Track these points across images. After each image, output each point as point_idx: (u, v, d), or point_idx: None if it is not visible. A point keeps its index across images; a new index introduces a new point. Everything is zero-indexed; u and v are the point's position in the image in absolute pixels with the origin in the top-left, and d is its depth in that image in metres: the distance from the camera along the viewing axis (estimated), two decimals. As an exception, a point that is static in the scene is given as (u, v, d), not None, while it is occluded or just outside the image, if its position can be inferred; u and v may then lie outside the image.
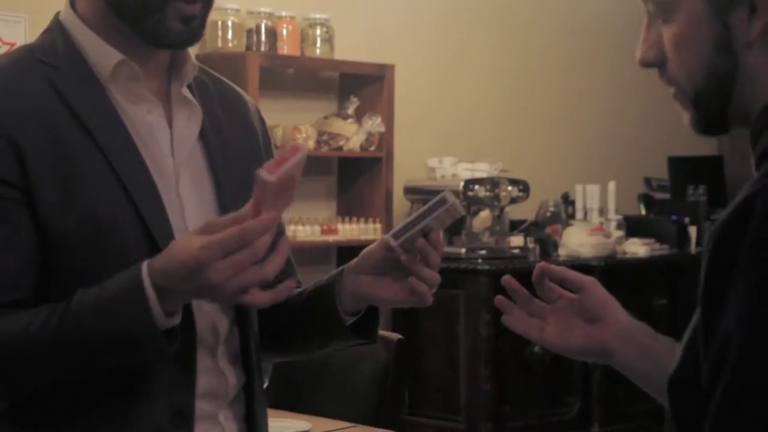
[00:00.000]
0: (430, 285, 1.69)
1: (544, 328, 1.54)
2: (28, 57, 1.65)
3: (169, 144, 1.68)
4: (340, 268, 1.78)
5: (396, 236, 1.67)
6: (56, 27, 1.68)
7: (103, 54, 1.65)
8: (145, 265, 1.51)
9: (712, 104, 1.21)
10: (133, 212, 1.60)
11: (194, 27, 1.64)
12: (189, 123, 1.70)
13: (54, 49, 1.66)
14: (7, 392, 1.61)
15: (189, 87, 1.72)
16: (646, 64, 1.25)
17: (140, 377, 1.60)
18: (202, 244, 1.45)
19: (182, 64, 1.69)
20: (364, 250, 1.74)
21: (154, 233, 1.60)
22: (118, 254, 1.58)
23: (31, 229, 1.57)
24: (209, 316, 1.67)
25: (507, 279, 1.57)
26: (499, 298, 1.57)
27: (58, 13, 1.70)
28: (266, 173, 1.46)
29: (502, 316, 1.57)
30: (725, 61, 1.18)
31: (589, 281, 1.53)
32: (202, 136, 1.71)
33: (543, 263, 1.57)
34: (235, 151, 1.75)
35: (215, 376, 1.68)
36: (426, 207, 1.66)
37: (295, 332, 1.84)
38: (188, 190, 1.68)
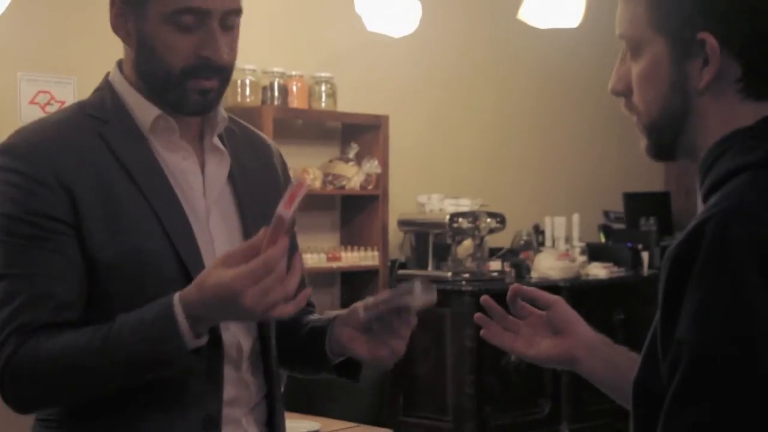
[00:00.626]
0: (395, 353, 1.68)
1: (517, 341, 1.53)
2: (80, 112, 1.66)
3: (201, 186, 1.67)
4: (334, 315, 1.76)
5: (366, 309, 1.66)
6: (106, 86, 1.69)
7: (144, 109, 1.65)
8: (176, 297, 1.51)
9: (664, 136, 1.20)
10: (169, 246, 1.60)
11: (211, 98, 1.63)
12: (219, 167, 1.70)
13: (103, 105, 1.66)
14: (57, 399, 1.60)
15: (219, 136, 1.73)
16: (615, 93, 1.25)
17: (174, 389, 1.60)
18: (234, 275, 1.46)
19: (213, 118, 1.69)
20: (351, 307, 1.72)
21: (187, 264, 1.60)
22: (156, 282, 1.58)
23: (80, 260, 1.57)
24: (234, 334, 1.66)
25: (485, 299, 1.56)
26: (479, 315, 1.57)
27: (107, 74, 1.71)
28: (283, 209, 1.47)
29: (481, 331, 1.56)
30: (679, 100, 1.17)
31: (556, 299, 1.53)
32: (231, 178, 1.71)
33: (516, 285, 1.56)
34: (259, 191, 1.74)
35: (240, 386, 1.67)
36: (397, 290, 1.65)
37: (294, 360, 1.82)
38: (218, 226, 1.67)
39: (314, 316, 1.83)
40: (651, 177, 6.45)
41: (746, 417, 1.00)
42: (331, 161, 5.00)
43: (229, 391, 1.65)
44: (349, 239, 5.10)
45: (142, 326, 1.52)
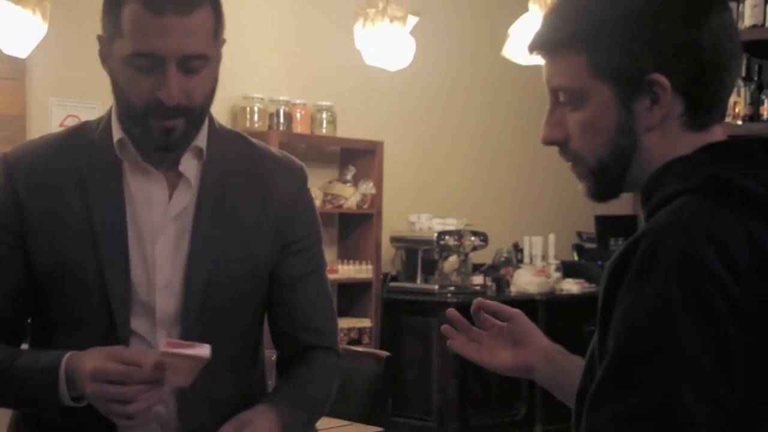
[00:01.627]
0: None
1: (480, 350, 1.49)
2: (74, 133, 1.63)
3: (162, 212, 1.58)
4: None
5: None
6: (109, 109, 1.63)
7: (116, 133, 1.58)
8: (66, 357, 1.48)
9: (612, 175, 1.18)
10: (95, 262, 1.54)
11: (175, 137, 1.53)
12: (182, 195, 1.59)
13: (97, 126, 1.61)
14: None
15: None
16: (549, 142, 1.21)
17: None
18: (95, 366, 1.43)
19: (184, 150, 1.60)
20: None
21: (107, 282, 1.53)
22: (80, 295, 1.54)
23: (20, 271, 1.56)
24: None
25: (451, 312, 1.52)
26: (445, 327, 1.51)
27: None
28: (165, 347, 1.41)
29: (447, 341, 1.50)
30: (627, 140, 1.15)
31: (516, 312, 1.48)
32: (198, 208, 1.59)
33: (479, 299, 1.51)
34: (230, 222, 1.61)
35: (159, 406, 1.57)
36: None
37: None
38: (164, 252, 1.57)
39: (309, 366, 1.70)
40: (620, 201, 6.40)
41: (653, 415, 0.99)
42: (330, 182, 5.02)
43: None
44: (346, 253, 5.11)
45: (33, 367, 1.51)
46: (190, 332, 1.56)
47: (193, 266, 1.57)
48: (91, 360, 1.45)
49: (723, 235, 1.03)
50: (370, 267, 4.99)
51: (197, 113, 1.53)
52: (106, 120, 1.61)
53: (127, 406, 1.42)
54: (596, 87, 1.14)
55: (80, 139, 1.60)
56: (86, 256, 1.53)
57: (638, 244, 1.05)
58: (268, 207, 1.65)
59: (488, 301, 1.51)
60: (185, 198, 1.59)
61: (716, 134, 1.17)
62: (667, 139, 1.15)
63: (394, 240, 5.29)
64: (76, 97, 4.27)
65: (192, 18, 1.47)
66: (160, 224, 1.58)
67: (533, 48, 1.21)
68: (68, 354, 1.48)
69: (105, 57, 1.55)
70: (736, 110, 4.61)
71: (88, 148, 1.59)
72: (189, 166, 1.60)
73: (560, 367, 1.44)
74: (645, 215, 1.16)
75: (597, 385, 1.04)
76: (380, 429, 2.86)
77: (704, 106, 1.14)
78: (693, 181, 1.10)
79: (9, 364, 1.52)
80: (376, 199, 5.01)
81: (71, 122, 4.22)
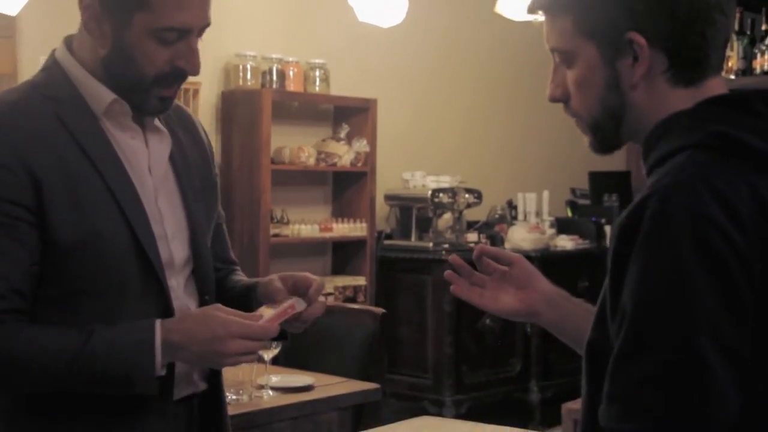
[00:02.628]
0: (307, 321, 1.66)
1: (483, 295, 1.51)
2: (34, 93, 1.55)
3: (147, 164, 1.61)
4: (254, 281, 1.73)
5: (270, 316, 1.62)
6: (53, 65, 1.58)
7: (97, 92, 1.56)
8: (158, 321, 1.50)
9: (607, 131, 1.22)
10: (125, 226, 1.54)
11: (168, 103, 1.59)
12: (161, 146, 1.63)
13: (55, 85, 1.56)
14: (8, 391, 1.55)
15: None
16: (553, 100, 1.26)
17: None
18: (229, 319, 1.49)
19: None
20: (264, 282, 1.69)
21: (142, 242, 1.55)
22: (112, 262, 1.53)
23: (36, 249, 1.50)
24: (183, 302, 1.63)
25: (454, 258, 1.55)
26: (449, 272, 1.54)
27: (53, 52, 1.60)
28: (272, 310, 1.59)
29: (451, 287, 1.53)
30: (615, 97, 1.19)
31: (517, 257, 1.51)
32: (171, 157, 1.65)
33: (481, 245, 1.54)
34: (194, 166, 1.69)
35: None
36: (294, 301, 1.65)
37: None
38: (165, 203, 1.62)
39: (238, 276, 1.80)
40: (614, 157, 6.43)
41: (679, 376, 1.02)
42: (324, 140, 5.00)
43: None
44: (340, 212, 5.11)
45: (118, 346, 1.48)
46: (200, 280, 1.66)
47: (192, 214, 1.64)
48: (206, 311, 1.52)
49: (726, 190, 1.06)
50: (364, 225, 4.99)
51: (185, 79, 1.59)
52: (61, 78, 1.57)
53: (246, 357, 1.54)
54: (583, 47, 1.19)
55: (46, 99, 1.54)
56: (115, 223, 1.53)
57: (647, 203, 1.07)
58: (202, 154, 1.74)
59: (489, 246, 1.54)
60: (164, 148, 1.63)
61: (713, 88, 1.18)
62: (656, 95, 1.17)
63: (389, 198, 5.29)
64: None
65: None
66: (153, 177, 1.61)
67: (531, 9, 1.25)
68: (158, 325, 1.50)
69: (97, 24, 1.53)
70: (729, 64, 4.59)
71: (65, 111, 1.54)
72: (156, 120, 1.64)
73: (564, 310, 1.47)
74: (646, 170, 1.18)
75: (619, 349, 1.06)
76: (376, 385, 2.88)
77: (688, 60, 1.16)
78: (695, 136, 1.12)
79: (82, 348, 1.48)
80: (370, 157, 5.00)
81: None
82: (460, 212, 5.24)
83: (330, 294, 4.83)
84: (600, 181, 6.23)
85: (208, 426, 1.68)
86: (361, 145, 4.96)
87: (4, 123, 1.51)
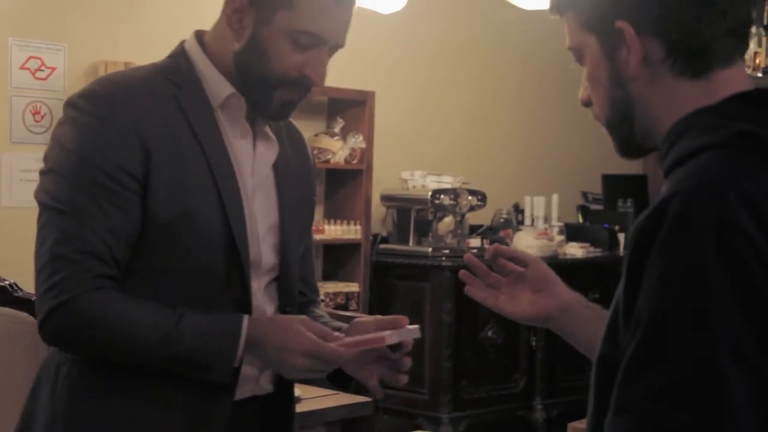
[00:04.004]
0: (387, 382, 1.80)
1: (498, 297, 1.56)
2: (159, 75, 1.70)
3: (251, 166, 1.73)
4: (338, 326, 1.81)
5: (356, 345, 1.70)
6: (181, 54, 1.73)
7: (218, 84, 1.70)
8: (246, 316, 1.64)
9: (621, 130, 1.24)
10: (221, 215, 1.65)
11: (288, 110, 1.73)
12: (268, 152, 1.76)
13: (179, 71, 1.70)
14: (96, 354, 1.66)
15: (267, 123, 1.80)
16: (582, 103, 1.29)
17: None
18: (308, 337, 1.61)
19: None
20: (354, 326, 1.78)
21: (234, 233, 1.66)
22: (202, 247, 1.65)
23: (138, 219, 1.62)
24: (261, 302, 1.75)
25: (469, 257, 1.59)
26: (463, 272, 1.58)
27: (183, 42, 1.75)
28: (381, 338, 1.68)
29: (465, 287, 1.57)
30: (619, 92, 1.21)
31: (534, 259, 1.56)
32: (275, 165, 1.77)
33: (496, 245, 1.60)
34: (296, 181, 1.82)
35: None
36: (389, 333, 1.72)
37: None
38: (260, 205, 1.74)
39: (320, 311, 1.90)
40: (629, 160, 6.46)
41: (695, 389, 1.01)
42: (316, 135, 5.00)
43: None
44: (333, 213, 5.11)
45: (207, 329, 1.62)
46: (285, 287, 1.78)
47: (285, 221, 1.77)
48: (293, 323, 1.64)
49: (755, 195, 1.05)
50: (358, 227, 4.98)
51: (309, 90, 1.73)
52: (186, 65, 1.71)
53: (312, 374, 1.68)
54: (587, 41, 1.23)
55: (170, 84, 1.68)
56: (212, 208, 1.65)
57: (668, 205, 1.06)
58: (305, 172, 1.88)
59: (505, 246, 1.60)
60: (270, 155, 1.76)
61: (730, 81, 1.18)
62: (659, 87, 1.18)
63: (385, 198, 5.28)
64: (39, 37, 4.21)
65: (352, 11, 1.71)
66: (254, 179, 1.73)
67: (550, 11, 1.30)
68: (246, 319, 1.64)
69: (239, 17, 1.67)
70: (757, 61, 4.59)
71: (184, 96, 1.68)
72: (267, 128, 1.77)
73: (579, 317, 1.51)
74: (664, 169, 1.17)
75: (630, 358, 1.05)
76: (368, 399, 2.87)
77: (687, 48, 1.16)
78: (719, 135, 1.11)
79: (173, 327, 1.61)
80: (366, 154, 4.99)
81: (33, 64, 4.18)
82: (463, 215, 5.24)
83: (321, 301, 4.81)
84: (614, 185, 6.23)
85: (272, 429, 1.80)
86: (357, 141, 4.96)
87: (126, 94, 1.65)
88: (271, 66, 1.66)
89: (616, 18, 1.17)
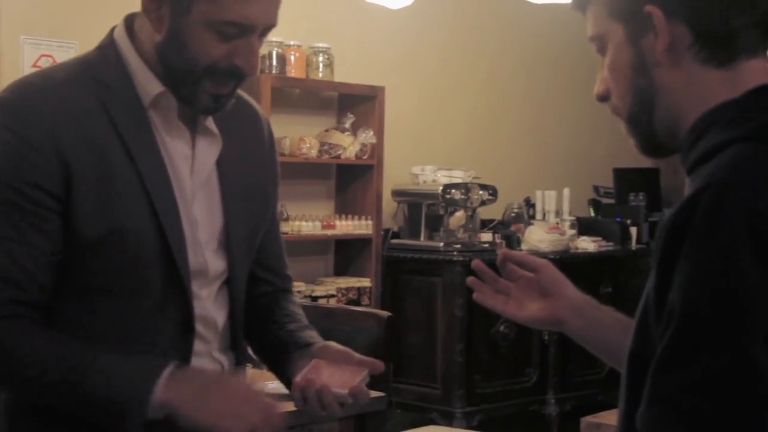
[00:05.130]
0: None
1: (507, 302, 1.54)
2: (85, 74, 1.57)
3: (189, 168, 1.62)
4: (304, 344, 1.73)
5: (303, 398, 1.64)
6: (110, 46, 1.61)
7: (147, 82, 1.58)
8: (167, 368, 1.51)
9: (642, 122, 1.22)
10: (155, 228, 1.55)
11: (222, 102, 1.59)
12: (209, 150, 1.64)
13: (107, 68, 1.58)
14: (5, 385, 1.59)
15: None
16: (598, 97, 1.27)
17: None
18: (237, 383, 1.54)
19: None
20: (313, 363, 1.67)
21: (171, 246, 1.56)
22: (135, 262, 1.55)
23: (58, 238, 1.51)
24: (206, 309, 1.65)
25: (477, 263, 1.57)
26: (471, 279, 1.56)
27: (113, 30, 1.63)
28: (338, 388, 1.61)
29: (473, 294, 1.56)
30: (643, 79, 1.20)
31: (544, 263, 1.54)
32: (219, 162, 1.66)
33: (505, 249, 1.60)
34: (245, 169, 1.70)
35: (211, 362, 1.67)
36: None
37: (256, 345, 1.84)
38: (202, 209, 1.63)
39: (290, 306, 1.81)
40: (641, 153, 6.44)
41: (729, 382, 1.02)
42: (327, 131, 5.00)
43: (199, 366, 1.64)
44: (344, 208, 5.11)
45: (125, 371, 1.51)
46: (234, 291, 1.68)
47: (231, 223, 1.65)
48: (214, 396, 1.51)
49: None
50: (369, 222, 4.99)
51: (244, 79, 1.59)
52: (115, 60, 1.59)
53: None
54: (612, 29, 1.21)
55: (95, 83, 1.56)
56: (144, 222, 1.54)
57: (699, 199, 1.06)
58: (261, 155, 1.75)
59: (514, 251, 1.56)
60: (212, 152, 1.64)
61: (754, 72, 1.17)
62: (684, 74, 1.18)
63: (396, 193, 5.28)
64: (51, 35, 4.24)
65: None
66: (194, 181, 1.62)
67: (573, 7, 1.28)
68: (166, 371, 1.51)
69: (155, 7, 1.54)
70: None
71: (111, 96, 1.56)
72: (209, 121, 1.65)
73: (591, 319, 1.49)
74: (688, 165, 1.17)
75: (663, 350, 1.05)
76: (381, 394, 2.88)
77: (714, 36, 1.16)
78: (746, 128, 1.12)
79: (84, 370, 1.50)
80: (377, 149, 5.00)
81: (45, 63, 4.20)
82: (474, 210, 5.24)
83: (332, 296, 4.83)
84: (626, 179, 6.22)
85: None
86: (367, 137, 4.96)
87: (44, 103, 1.52)
88: (194, 58, 1.52)
89: (645, 2, 1.17)
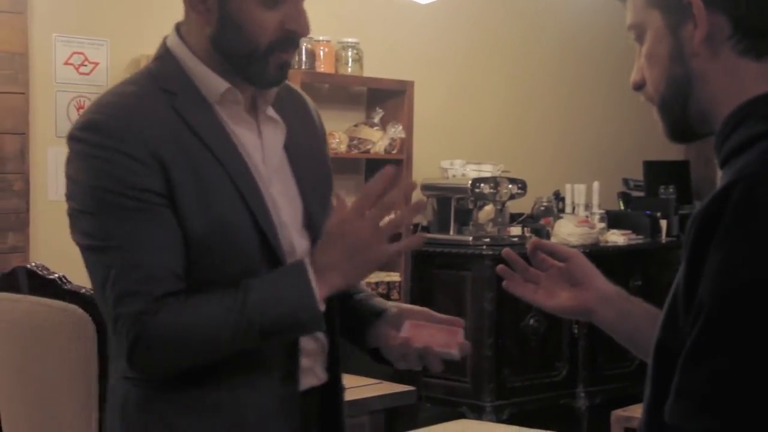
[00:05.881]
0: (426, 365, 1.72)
1: (537, 291, 1.55)
2: (152, 86, 1.64)
3: (260, 155, 1.69)
4: (383, 309, 1.79)
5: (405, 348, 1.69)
6: (167, 55, 1.67)
7: (211, 81, 1.64)
8: (305, 258, 1.60)
9: (675, 110, 1.22)
10: (249, 216, 1.62)
11: (286, 71, 1.66)
12: (275, 137, 1.71)
13: (169, 76, 1.65)
14: (188, 365, 1.62)
15: (276, 100, 1.75)
16: (634, 86, 1.27)
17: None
18: (341, 215, 1.58)
19: (268, 89, 1.71)
20: (400, 313, 1.75)
21: (266, 233, 1.63)
22: (239, 252, 1.61)
23: (180, 232, 1.58)
24: None
25: (507, 251, 1.58)
26: (501, 267, 1.57)
27: (165, 40, 1.69)
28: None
29: (503, 282, 1.56)
30: (679, 68, 1.20)
31: (574, 252, 1.55)
32: (286, 146, 1.73)
33: (536, 239, 1.58)
34: (308, 151, 1.77)
35: (312, 337, 1.72)
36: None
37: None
38: (279, 192, 1.70)
39: (363, 294, 1.86)
40: (671, 145, 6.34)
41: (761, 374, 1.01)
42: (356, 125, 5.01)
43: (304, 343, 1.70)
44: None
45: (276, 287, 1.58)
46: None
47: (310, 203, 1.73)
48: (327, 226, 1.61)
49: None
50: (399, 217, 4.98)
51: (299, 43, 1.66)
52: (175, 68, 1.65)
53: (397, 218, 1.61)
54: (651, 17, 1.21)
55: (163, 93, 1.63)
56: (238, 211, 1.61)
57: (730, 192, 1.06)
58: (316, 140, 1.82)
59: (545, 240, 1.60)
60: (278, 138, 1.72)
61: None
62: (721, 64, 1.17)
63: (425, 188, 5.28)
64: (82, 33, 4.27)
65: None
66: (268, 167, 1.69)
67: None
68: (305, 260, 1.60)
69: (209, 2, 1.60)
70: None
71: (181, 103, 1.62)
72: (270, 110, 1.72)
73: (621, 310, 1.49)
74: (721, 158, 1.17)
75: (693, 343, 1.05)
76: (411, 388, 2.89)
77: (754, 27, 1.16)
78: None
79: (243, 303, 1.57)
80: (406, 144, 5.00)
81: (77, 60, 4.23)
82: (503, 204, 5.23)
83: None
84: (655, 171, 6.19)
85: (327, 417, 1.78)
86: (397, 131, 4.97)
87: (128, 115, 1.59)
88: (253, 37, 1.59)
89: None
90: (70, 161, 1.62)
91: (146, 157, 1.56)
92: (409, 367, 1.71)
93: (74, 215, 1.61)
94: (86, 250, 1.60)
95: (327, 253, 1.59)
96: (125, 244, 1.56)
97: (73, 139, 1.61)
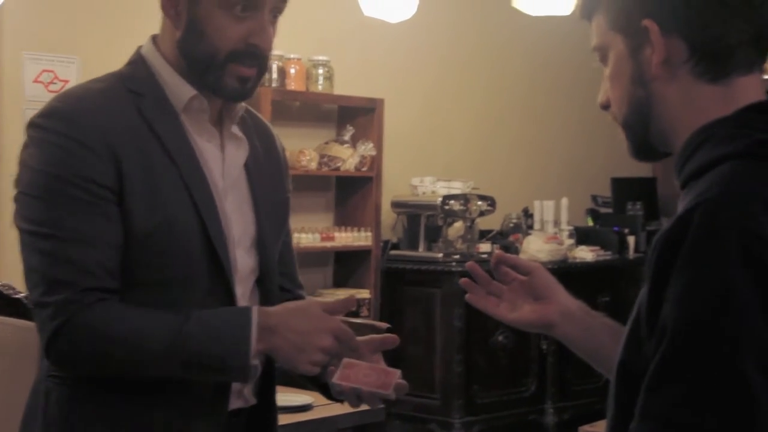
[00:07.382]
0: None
1: (499, 305, 1.54)
2: (120, 85, 1.66)
3: (220, 168, 1.69)
4: None
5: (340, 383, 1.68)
6: (139, 60, 1.69)
7: (178, 88, 1.66)
8: (255, 308, 1.59)
9: (636, 130, 1.24)
10: (197, 221, 1.62)
11: (249, 87, 1.65)
12: (237, 153, 1.72)
13: (138, 79, 1.67)
14: (106, 371, 1.61)
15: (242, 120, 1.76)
16: (601, 106, 1.29)
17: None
18: (337, 318, 1.60)
19: (234, 106, 1.72)
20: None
21: (213, 239, 1.62)
22: (182, 255, 1.61)
23: (121, 227, 1.58)
24: None
25: (471, 265, 1.58)
26: (465, 280, 1.57)
27: (140, 48, 1.71)
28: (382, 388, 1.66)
29: (466, 295, 1.56)
30: (640, 90, 1.21)
31: (535, 266, 1.54)
32: (246, 165, 1.73)
33: (499, 252, 1.58)
34: (268, 179, 1.78)
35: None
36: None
37: None
38: (233, 207, 1.70)
39: None
40: (638, 163, 6.43)
41: (721, 397, 1.02)
42: (327, 143, 5.00)
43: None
44: (343, 220, 5.11)
45: (216, 324, 1.57)
46: (266, 291, 1.74)
47: (263, 223, 1.73)
48: (315, 309, 1.61)
49: None
50: (369, 234, 4.99)
51: (267, 61, 1.68)
52: (145, 71, 1.67)
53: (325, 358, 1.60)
54: (613, 40, 1.23)
55: (129, 93, 1.65)
56: (188, 215, 1.62)
57: (691, 216, 1.07)
58: (277, 168, 1.83)
59: (508, 254, 1.59)
60: (240, 155, 1.73)
61: (747, 88, 1.18)
62: (678, 88, 1.19)
63: (395, 205, 5.28)
64: (52, 50, 4.24)
65: None
66: (225, 181, 1.70)
67: (580, 14, 1.31)
68: (255, 309, 1.59)
69: (173, 3, 1.63)
70: None
71: (146, 104, 1.64)
72: (235, 127, 1.73)
73: (582, 324, 1.50)
74: (681, 180, 1.18)
75: (656, 366, 1.05)
76: (380, 405, 2.87)
77: (710, 51, 1.17)
78: (738, 145, 1.12)
79: (180, 329, 1.56)
80: (376, 161, 5.00)
81: (46, 78, 4.20)
82: (473, 221, 5.24)
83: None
84: (623, 188, 6.23)
85: None
86: (367, 149, 4.96)
87: (90, 107, 1.61)
88: (213, 43, 1.61)
89: (643, 17, 1.18)
90: (26, 147, 1.61)
91: (101, 149, 1.57)
92: (350, 404, 1.70)
93: (20, 200, 1.60)
94: (26, 234, 1.58)
95: (285, 319, 1.58)
96: (65, 235, 1.55)
97: (32, 125, 1.61)
